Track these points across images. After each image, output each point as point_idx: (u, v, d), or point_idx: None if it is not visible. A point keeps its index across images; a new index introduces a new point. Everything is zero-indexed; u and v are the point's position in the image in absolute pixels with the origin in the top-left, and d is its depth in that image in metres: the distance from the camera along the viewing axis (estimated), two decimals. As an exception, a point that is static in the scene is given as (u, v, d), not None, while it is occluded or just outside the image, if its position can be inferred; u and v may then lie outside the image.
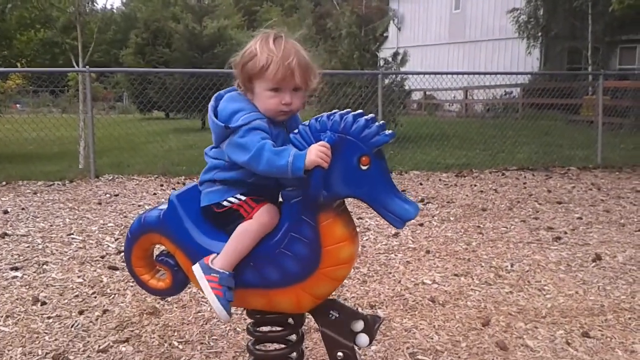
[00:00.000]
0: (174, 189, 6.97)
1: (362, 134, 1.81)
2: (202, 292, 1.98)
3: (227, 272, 1.98)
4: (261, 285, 1.97)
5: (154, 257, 2.29)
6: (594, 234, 4.84)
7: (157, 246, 2.18)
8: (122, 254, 4.13)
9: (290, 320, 2.15)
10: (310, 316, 2.12)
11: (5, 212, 5.60)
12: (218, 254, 1.99)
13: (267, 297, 2.01)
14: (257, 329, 2.17)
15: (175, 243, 2.10)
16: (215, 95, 2.03)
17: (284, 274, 1.95)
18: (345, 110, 1.88)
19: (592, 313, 3.11)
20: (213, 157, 2.01)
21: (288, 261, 1.94)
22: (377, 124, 1.83)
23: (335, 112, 1.88)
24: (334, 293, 2.13)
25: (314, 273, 1.93)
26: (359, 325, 2.10)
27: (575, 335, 2.84)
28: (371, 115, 1.86)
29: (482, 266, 3.91)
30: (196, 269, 2.01)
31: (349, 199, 1.94)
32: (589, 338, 2.80)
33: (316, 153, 1.79)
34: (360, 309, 3.12)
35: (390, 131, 1.84)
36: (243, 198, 1.95)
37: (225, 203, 1.97)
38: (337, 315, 2.10)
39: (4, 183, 7.34)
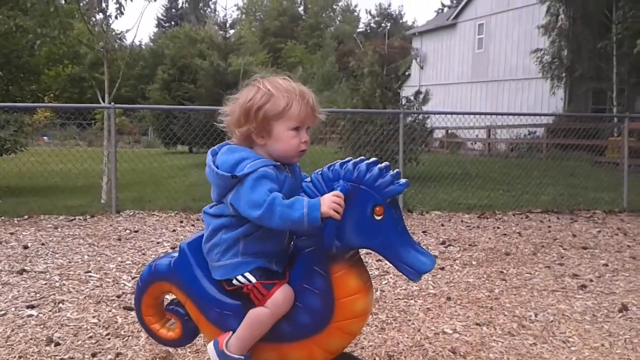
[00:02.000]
0: (193, 225, 6.98)
1: (375, 183, 1.77)
2: None
3: (243, 357, 1.94)
4: (272, 339, 1.91)
5: (164, 306, 2.26)
6: (620, 282, 4.69)
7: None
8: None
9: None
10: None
11: (26, 247, 5.63)
12: (233, 332, 1.94)
13: (279, 352, 1.95)
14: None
15: (186, 293, 2.06)
16: (210, 150, 2.00)
17: (296, 327, 1.89)
18: (358, 159, 1.84)
19: (620, 369, 2.97)
20: (215, 215, 1.95)
21: (300, 314, 1.88)
22: (391, 173, 1.78)
23: (348, 161, 1.84)
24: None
25: (327, 327, 1.87)
26: None
27: (602, 393, 2.71)
28: (385, 163, 1.82)
29: (505, 315, 3.79)
30: (211, 352, 1.97)
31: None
32: (618, 397, 2.67)
33: (329, 204, 1.75)
34: (377, 359, 3.03)
35: (404, 180, 1.79)
36: (253, 281, 1.88)
37: (234, 282, 1.92)
38: None
39: (26, 217, 7.41)
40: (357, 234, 1.80)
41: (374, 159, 1.85)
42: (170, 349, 3.12)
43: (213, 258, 1.96)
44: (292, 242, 1.95)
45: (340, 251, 1.83)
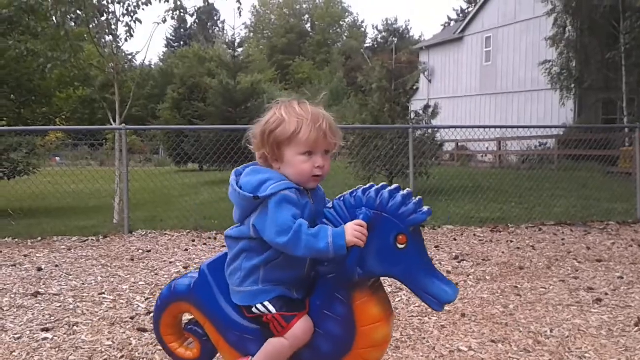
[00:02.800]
0: (205, 244, 6.99)
1: (399, 212, 1.75)
2: None
3: None
4: None
5: (183, 326, 2.26)
6: (635, 294, 4.64)
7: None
8: (151, 314, 4.12)
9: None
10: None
11: (40, 269, 5.67)
12: (252, 356, 1.93)
13: None
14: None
15: (205, 314, 2.06)
16: (234, 171, 1.99)
17: (316, 353, 1.87)
18: (380, 185, 1.83)
19: (639, 385, 2.93)
20: (236, 238, 1.94)
21: (320, 340, 1.87)
22: (414, 200, 1.77)
23: (370, 187, 1.83)
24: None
25: (347, 354, 1.85)
26: None
27: (622, 410, 2.67)
28: (408, 190, 1.80)
29: (520, 331, 3.76)
30: None
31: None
32: (638, 414, 2.63)
33: (352, 232, 1.74)
34: (393, 379, 3.01)
35: (427, 208, 1.77)
36: (273, 311, 1.87)
37: (254, 310, 1.91)
38: None
39: (39, 238, 7.47)
40: (379, 262, 1.79)
41: (396, 185, 1.84)
42: (185, 371, 3.11)
43: (234, 282, 1.95)
44: (314, 268, 1.94)
45: (362, 279, 1.81)
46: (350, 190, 1.87)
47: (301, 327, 1.86)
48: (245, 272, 1.91)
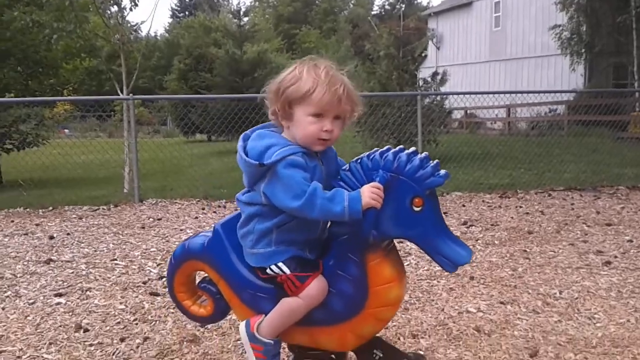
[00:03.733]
0: (215, 212, 7.03)
1: (416, 175, 1.74)
2: (246, 352, 1.98)
3: (273, 341, 1.96)
4: (305, 323, 1.92)
5: (197, 283, 2.28)
6: (646, 257, 4.64)
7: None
8: (164, 279, 4.17)
9: (333, 356, 2.09)
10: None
11: (51, 237, 5.73)
12: (266, 314, 1.95)
13: (311, 335, 1.97)
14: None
15: (219, 272, 2.08)
16: (242, 135, 1.96)
17: (329, 312, 1.89)
18: (398, 148, 1.81)
19: (646, 343, 2.95)
20: (247, 203, 1.93)
21: (334, 300, 1.89)
22: (431, 164, 1.76)
23: (388, 150, 1.82)
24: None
25: (359, 313, 1.87)
26: None
27: (629, 367, 2.70)
28: (425, 154, 1.79)
29: (529, 293, 3.78)
30: (242, 332, 1.99)
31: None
32: (645, 371, 2.66)
33: (369, 195, 1.73)
34: (402, 339, 3.05)
35: (444, 172, 1.77)
36: (287, 272, 1.87)
37: (268, 271, 1.91)
38: (381, 355, 2.03)
39: (50, 208, 7.53)
40: (395, 224, 1.79)
41: (413, 148, 1.82)
42: (197, 332, 3.17)
43: (247, 244, 1.95)
44: (329, 229, 1.94)
45: (376, 240, 1.82)
46: (367, 153, 1.86)
47: (315, 287, 1.87)
48: (258, 234, 1.91)
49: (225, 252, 2.04)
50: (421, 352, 2.77)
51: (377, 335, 2.07)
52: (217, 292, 2.14)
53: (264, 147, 1.84)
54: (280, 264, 1.89)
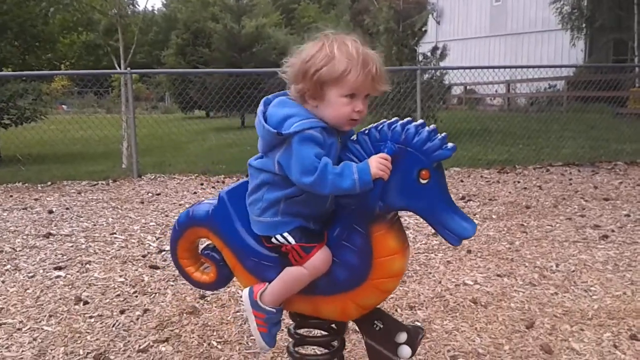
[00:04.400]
0: (214, 187, 7.04)
1: (424, 147, 1.73)
2: (247, 320, 2.00)
3: (275, 309, 1.97)
4: (307, 291, 1.93)
5: (200, 250, 2.29)
6: (643, 231, 4.67)
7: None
8: (163, 253, 4.20)
9: (333, 325, 2.11)
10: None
11: (50, 212, 5.75)
12: (270, 282, 1.96)
13: (313, 304, 1.98)
14: (298, 331, 2.15)
15: (223, 240, 2.08)
16: (264, 99, 1.92)
17: (333, 282, 1.90)
18: (406, 120, 1.80)
19: (641, 315, 2.98)
20: (259, 169, 1.90)
21: (337, 269, 1.90)
22: (439, 136, 1.75)
23: (396, 121, 1.81)
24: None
25: (362, 283, 1.88)
26: (402, 336, 2.05)
27: (622, 337, 2.73)
28: (433, 126, 1.78)
29: (526, 266, 3.81)
30: (245, 300, 2.00)
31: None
32: (637, 341, 2.68)
33: (377, 165, 1.72)
34: (399, 310, 3.08)
35: (452, 144, 1.76)
36: (292, 242, 1.87)
37: (273, 240, 1.91)
38: (382, 326, 2.04)
39: (49, 183, 7.54)
40: (401, 196, 1.79)
41: (422, 121, 1.81)
42: (197, 304, 3.20)
43: (254, 212, 1.95)
44: (335, 199, 1.94)
45: (382, 212, 1.82)
46: (376, 124, 1.86)
47: (320, 257, 1.88)
48: (267, 203, 1.90)
49: (230, 220, 2.04)
50: (419, 324, 2.81)
51: (378, 306, 2.09)
52: (220, 259, 2.14)
53: (284, 116, 1.81)
54: (285, 234, 1.89)
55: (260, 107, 1.89)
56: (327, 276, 1.90)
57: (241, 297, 2.08)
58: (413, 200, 1.79)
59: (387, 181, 1.75)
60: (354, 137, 1.89)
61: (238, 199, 2.03)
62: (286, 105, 1.87)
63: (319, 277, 1.91)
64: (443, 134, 1.76)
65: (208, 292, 3.28)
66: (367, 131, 1.84)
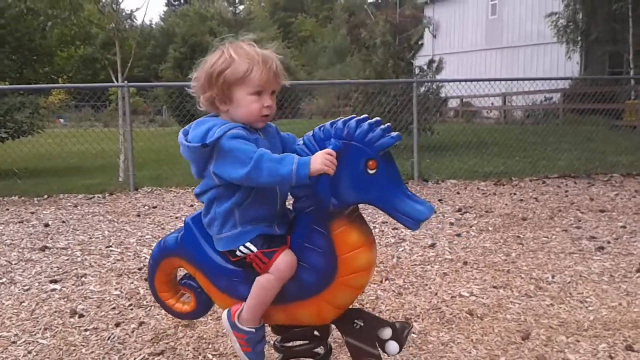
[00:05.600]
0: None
1: (366, 138, 1.78)
2: (231, 342, 2.03)
3: (255, 328, 1.98)
4: (280, 300, 1.95)
5: (178, 280, 2.31)
6: (638, 243, 4.67)
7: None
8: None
9: (316, 332, 2.12)
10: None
11: (47, 225, 5.73)
12: (243, 298, 1.97)
13: (288, 312, 1.99)
14: (283, 344, 2.16)
15: (195, 265, 2.12)
16: (182, 130, 1.99)
17: (302, 286, 1.93)
18: (348, 117, 1.86)
19: (636, 325, 2.98)
20: (203, 192, 1.97)
21: (305, 273, 1.92)
22: (381, 127, 1.79)
23: (338, 120, 1.87)
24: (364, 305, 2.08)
25: (332, 283, 1.90)
26: (387, 332, 2.06)
27: (618, 348, 2.72)
28: (376, 119, 1.83)
29: (522, 278, 3.81)
30: (224, 321, 2.03)
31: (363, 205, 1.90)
32: (633, 352, 2.69)
33: (322, 160, 1.76)
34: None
35: (395, 133, 1.80)
36: (254, 250, 1.91)
37: (237, 253, 1.94)
38: (362, 324, 2.06)
39: (45, 196, 7.53)
40: (352, 189, 1.82)
41: (364, 115, 1.86)
42: (192, 317, 3.18)
43: (214, 231, 1.98)
44: (293, 206, 1.97)
45: (338, 208, 1.85)
46: (320, 125, 1.90)
47: (283, 260, 1.90)
48: (222, 218, 1.94)
49: (197, 243, 2.08)
50: (414, 335, 2.80)
51: (357, 306, 2.10)
52: (197, 286, 2.17)
53: (204, 130, 1.88)
54: (247, 244, 1.92)
55: (180, 136, 1.97)
56: (296, 281, 1.92)
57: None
58: (364, 192, 1.82)
59: (337, 177, 1.79)
60: (300, 140, 1.94)
61: (202, 223, 2.07)
62: (204, 122, 1.95)
63: (289, 283, 1.92)
64: (386, 124, 1.80)
65: (195, 319, 3.28)
66: (311, 132, 1.89)
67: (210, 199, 1.95)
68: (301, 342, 2.15)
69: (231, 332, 2.01)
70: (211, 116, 2.00)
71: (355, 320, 2.06)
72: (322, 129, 1.87)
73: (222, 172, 1.84)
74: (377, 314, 3.07)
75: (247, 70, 1.89)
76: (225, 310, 2.04)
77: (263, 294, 1.93)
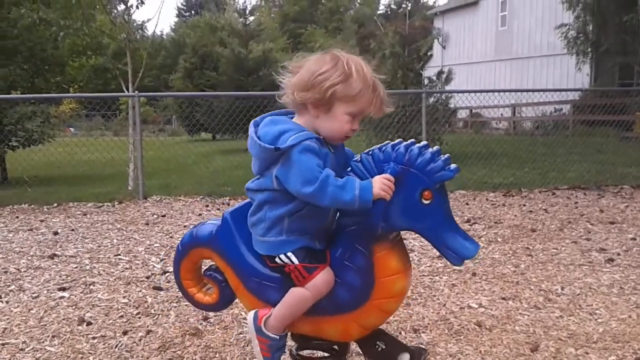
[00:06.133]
0: (219, 209, 7.05)
1: (427, 168, 1.75)
2: (251, 343, 2.02)
3: (279, 336, 1.98)
4: (310, 312, 1.93)
5: (203, 271, 2.29)
6: (649, 255, 4.63)
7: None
8: (167, 274, 4.20)
9: (335, 347, 2.11)
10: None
11: (56, 233, 5.76)
12: (272, 304, 1.97)
13: (315, 324, 1.98)
14: (300, 353, 2.14)
15: (226, 261, 2.09)
16: (253, 121, 1.95)
17: (335, 302, 1.91)
18: (410, 141, 1.82)
19: (647, 339, 2.95)
20: (257, 190, 1.93)
21: (340, 290, 1.90)
22: (442, 158, 1.77)
23: (400, 143, 1.83)
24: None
25: (364, 304, 1.88)
26: (405, 357, 2.04)
27: (629, 361, 2.70)
28: (437, 147, 1.80)
29: (531, 289, 3.78)
30: (249, 323, 2.01)
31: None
32: (645, 365, 2.66)
33: (380, 186, 1.74)
34: (403, 333, 3.06)
35: (454, 166, 1.77)
36: (296, 262, 1.89)
37: (277, 260, 1.92)
38: (384, 347, 2.04)
39: (55, 205, 7.57)
40: (403, 216, 1.80)
41: (425, 142, 1.83)
42: (200, 326, 3.18)
43: (258, 232, 1.96)
44: (337, 221, 1.95)
45: (384, 232, 1.83)
46: (379, 145, 1.87)
47: (322, 278, 1.88)
48: (270, 222, 1.91)
49: (233, 240, 2.05)
50: (422, 346, 2.78)
51: (381, 327, 2.08)
52: (223, 280, 2.15)
53: (278, 132, 1.84)
54: (289, 254, 1.90)
55: (251, 129, 1.92)
56: (330, 297, 1.90)
57: (245, 319, 2.08)
58: (415, 221, 1.80)
59: (389, 201, 1.76)
60: (357, 157, 1.91)
61: (241, 220, 2.04)
62: (278, 122, 1.90)
63: (323, 298, 1.91)
64: (446, 155, 1.78)
65: (211, 314, 3.27)
66: (370, 152, 1.86)
67: (263, 201, 1.92)
68: (320, 355, 2.14)
69: (254, 336, 2.00)
70: (283, 114, 1.96)
71: (377, 342, 2.05)
72: (382, 150, 1.83)
73: (286, 180, 1.81)
74: (384, 325, 3.06)
75: (360, 92, 1.84)
76: (252, 312, 2.03)
77: (296, 306, 1.92)
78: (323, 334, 2.01)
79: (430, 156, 1.77)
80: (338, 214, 1.94)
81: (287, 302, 1.93)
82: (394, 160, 1.79)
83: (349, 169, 1.88)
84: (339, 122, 1.86)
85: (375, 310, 1.90)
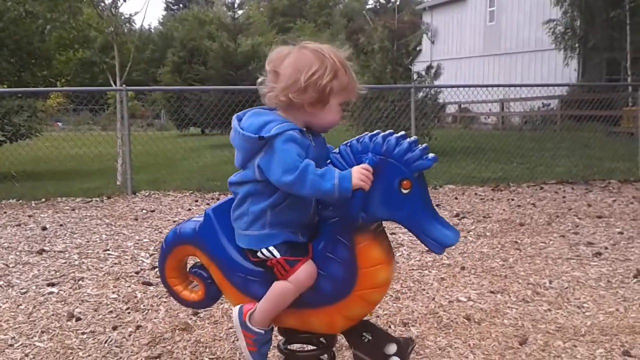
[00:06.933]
0: (208, 204, 7.03)
1: (404, 157, 1.76)
2: (237, 337, 2.03)
3: (264, 331, 1.98)
4: (294, 305, 1.94)
5: (188, 269, 2.29)
6: (635, 248, 4.68)
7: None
8: (157, 269, 4.17)
9: (322, 339, 2.11)
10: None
11: (44, 228, 5.73)
12: (257, 298, 1.97)
13: (300, 317, 1.99)
14: (288, 347, 2.15)
15: (210, 257, 2.09)
16: (235, 115, 1.96)
17: (319, 294, 1.91)
18: (388, 132, 1.83)
19: (633, 331, 2.98)
20: (240, 182, 1.94)
21: (323, 282, 1.91)
22: (420, 147, 1.77)
23: (377, 133, 1.84)
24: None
25: (348, 295, 1.89)
26: (392, 348, 2.05)
27: (615, 354, 2.73)
28: (414, 137, 1.81)
29: (519, 283, 3.81)
30: (234, 318, 2.01)
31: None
32: (630, 357, 2.69)
33: (358, 176, 1.75)
34: (392, 327, 3.08)
35: (432, 155, 1.78)
36: (278, 256, 1.89)
37: (259, 254, 1.93)
38: (370, 338, 2.05)
39: (43, 200, 7.52)
40: (383, 206, 1.81)
41: (402, 132, 1.84)
42: (189, 321, 3.18)
43: (240, 226, 1.96)
44: (318, 213, 1.96)
45: (365, 222, 1.84)
46: (357, 137, 1.88)
47: (305, 271, 1.89)
48: (252, 216, 1.92)
49: (216, 236, 2.06)
50: (409, 338, 2.80)
51: (367, 318, 2.09)
52: (208, 277, 2.15)
53: (263, 122, 1.86)
54: (271, 248, 1.91)
55: (235, 122, 1.93)
56: (314, 289, 1.91)
57: (232, 309, 2.09)
58: (395, 210, 1.81)
59: (369, 192, 1.78)
60: (336, 149, 1.92)
61: (224, 216, 2.05)
62: (262, 114, 1.92)
63: (306, 290, 1.92)
64: (424, 145, 1.79)
65: (201, 309, 3.27)
66: (348, 143, 1.87)
67: (246, 194, 1.93)
68: (307, 348, 2.14)
69: (240, 330, 2.00)
70: (266, 109, 1.96)
71: (364, 334, 2.05)
72: (360, 141, 1.84)
73: (267, 169, 1.82)
74: (374, 319, 3.07)
75: (350, 81, 1.90)
76: (237, 308, 2.03)
77: (279, 299, 1.92)
78: (309, 327, 2.02)
79: (407, 146, 1.78)
80: (319, 207, 1.95)
81: (270, 296, 1.94)
82: (371, 151, 1.80)
83: (328, 161, 1.89)
84: (333, 114, 1.91)
85: (359, 301, 1.91)
